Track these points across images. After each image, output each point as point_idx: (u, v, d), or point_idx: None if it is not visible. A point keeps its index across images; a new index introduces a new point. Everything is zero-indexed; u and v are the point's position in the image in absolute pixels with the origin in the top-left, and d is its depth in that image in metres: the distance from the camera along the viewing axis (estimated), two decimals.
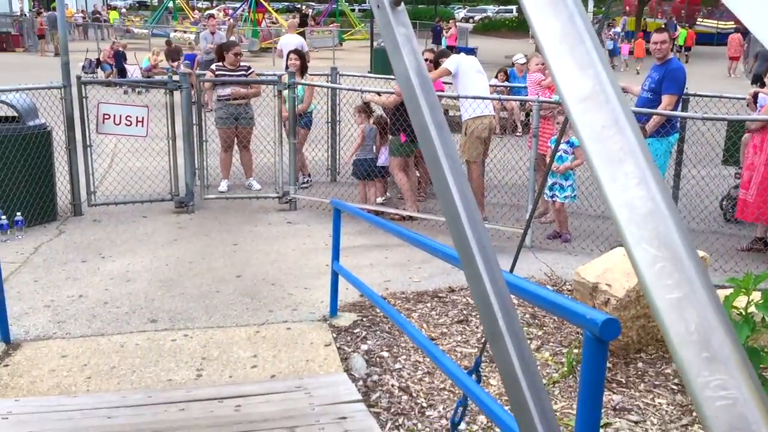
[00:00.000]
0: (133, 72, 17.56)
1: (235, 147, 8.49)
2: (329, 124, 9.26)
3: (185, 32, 32.82)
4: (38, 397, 3.62)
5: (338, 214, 4.81)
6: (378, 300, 4.17)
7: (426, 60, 7.87)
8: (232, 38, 14.46)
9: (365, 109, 7.96)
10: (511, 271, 2.44)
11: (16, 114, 6.74)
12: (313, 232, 7.16)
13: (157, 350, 4.34)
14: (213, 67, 8.53)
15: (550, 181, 7.23)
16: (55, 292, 5.28)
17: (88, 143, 7.23)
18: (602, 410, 2.47)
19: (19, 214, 6.51)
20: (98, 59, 19.34)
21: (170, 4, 40.82)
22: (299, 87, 8.06)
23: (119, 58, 18.61)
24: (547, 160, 7.11)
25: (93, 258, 6.08)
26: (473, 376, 2.76)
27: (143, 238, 6.71)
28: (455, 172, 0.77)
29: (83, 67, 17.75)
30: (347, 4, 43.45)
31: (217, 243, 6.63)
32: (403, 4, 0.81)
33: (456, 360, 4.41)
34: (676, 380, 4.02)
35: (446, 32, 29.75)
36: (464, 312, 5.16)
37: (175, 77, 7.60)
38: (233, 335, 4.60)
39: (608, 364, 4.09)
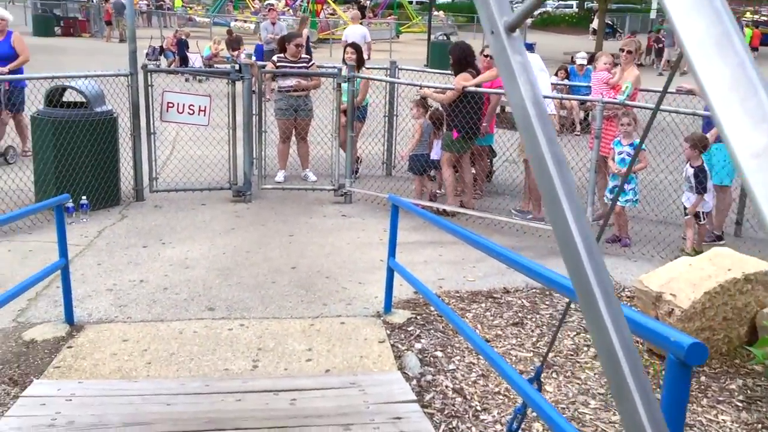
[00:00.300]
0: (195, 60, 17.86)
1: (293, 138, 8.56)
2: (386, 117, 9.24)
3: (245, 22, 33.27)
4: (100, 380, 3.71)
5: (396, 211, 4.79)
6: (434, 299, 4.14)
7: (485, 56, 7.76)
8: (304, 31, 14.48)
9: (423, 103, 7.92)
10: None
11: (84, 100, 6.92)
12: (368, 225, 7.16)
13: (215, 339, 4.41)
14: (275, 58, 8.59)
15: (610, 184, 7.09)
16: (117, 276, 5.41)
17: (152, 130, 7.38)
18: None
19: (84, 197, 6.69)
20: (161, 47, 19.71)
21: None
22: (357, 80, 8.06)
23: (182, 46, 18.94)
24: (609, 162, 6.96)
25: (154, 243, 6.21)
26: (534, 384, 2.71)
27: (202, 225, 6.82)
28: (574, 212, 0.73)
29: (147, 54, 18.13)
30: None
31: (273, 233, 6.69)
32: (518, 30, 0.78)
33: (510, 364, 4.35)
34: (740, 396, 3.88)
35: None
36: (519, 314, 5.09)
37: (237, 67, 7.68)
38: (288, 327, 4.63)
39: None
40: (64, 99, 7.13)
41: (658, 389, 3.47)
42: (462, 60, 7.35)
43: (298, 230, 6.84)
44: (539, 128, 0.74)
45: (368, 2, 43.98)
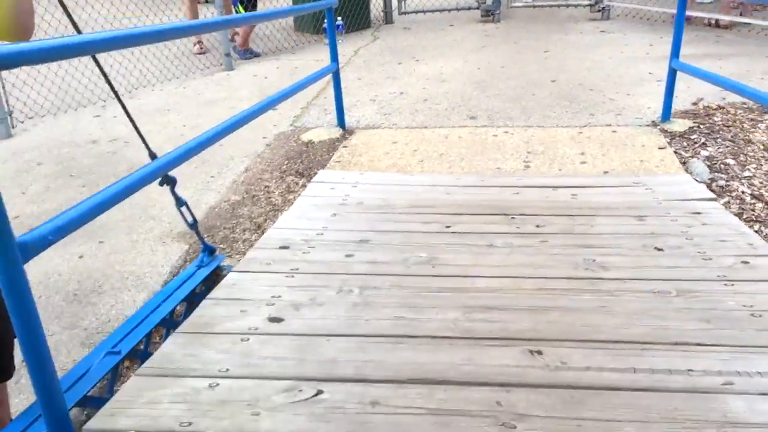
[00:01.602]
0: None
1: None
2: None
3: None
4: (379, 173, 3.82)
5: (684, 2, 4.19)
6: (736, 86, 3.61)
7: None
8: None
9: None
10: None
11: None
12: (630, 41, 6.52)
13: (480, 143, 4.32)
14: None
15: None
16: (377, 89, 5.50)
17: None
18: None
19: (339, 18, 6.78)
20: None
21: None
22: None
23: None
24: None
25: (407, 60, 6.19)
26: None
27: (452, 44, 6.66)
28: None
29: None
30: None
31: (527, 50, 6.34)
32: None
33: None
34: None
35: None
36: None
37: None
38: (555, 134, 4.41)
39: None
40: None
41: None
42: None
43: (553, 46, 6.41)
44: None
45: None
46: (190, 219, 2.73)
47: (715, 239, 2.66)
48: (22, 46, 1.41)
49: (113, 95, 2.44)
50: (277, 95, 3.54)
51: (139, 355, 2.33)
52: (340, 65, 6.17)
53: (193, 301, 2.64)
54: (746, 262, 2.43)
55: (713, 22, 6.66)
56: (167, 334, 2.44)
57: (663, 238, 2.69)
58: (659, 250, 2.57)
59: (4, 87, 4.83)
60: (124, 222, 3.65)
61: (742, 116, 4.60)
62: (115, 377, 2.19)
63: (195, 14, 6.53)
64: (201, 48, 6.71)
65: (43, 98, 5.10)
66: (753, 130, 4.41)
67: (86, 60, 5.45)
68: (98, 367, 2.13)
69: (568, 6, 7.51)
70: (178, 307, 2.65)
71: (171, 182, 2.57)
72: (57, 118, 5.15)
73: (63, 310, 2.93)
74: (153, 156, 2.43)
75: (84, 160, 4.42)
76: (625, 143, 4.19)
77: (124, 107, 2.43)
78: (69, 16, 2.12)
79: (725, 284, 2.27)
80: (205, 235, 3.26)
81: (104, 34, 1.72)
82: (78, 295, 3.07)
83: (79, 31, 2.08)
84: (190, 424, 1.54)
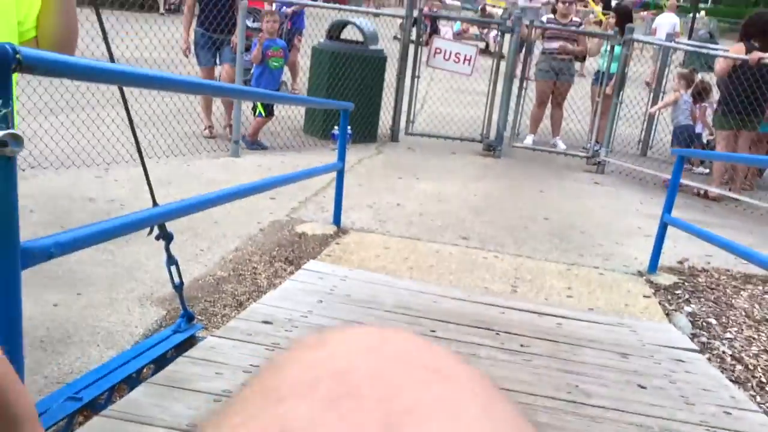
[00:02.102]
0: (446, 32, 18.14)
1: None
2: (650, 94, 8.64)
3: (493, 6, 33.29)
4: (369, 272, 3.82)
5: (680, 162, 4.39)
6: (728, 243, 3.71)
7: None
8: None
9: (688, 76, 7.34)
10: None
11: (361, 37, 7.24)
12: (622, 196, 6.75)
13: (471, 262, 4.37)
14: (544, 18, 8.38)
15: None
16: (376, 197, 5.60)
17: (417, 74, 7.54)
18: None
19: (348, 127, 7.00)
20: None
21: None
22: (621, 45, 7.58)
23: (434, 20, 19.34)
24: None
25: (408, 177, 6.35)
26: None
27: (453, 169, 6.86)
28: None
29: (400, 24, 18.77)
30: None
31: (524, 187, 6.54)
32: None
33: None
34: None
35: None
36: None
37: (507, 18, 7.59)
38: (544, 266, 4.46)
39: None
40: (343, 36, 7.52)
41: None
42: (761, 28, 6.56)
43: (548, 188, 6.62)
44: None
45: None
46: (177, 280, 2.70)
47: (699, 387, 2.65)
48: (68, 57, 1.45)
49: (131, 155, 2.47)
50: (281, 177, 3.61)
51: (99, 407, 2.22)
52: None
53: (162, 365, 2.55)
54: (729, 413, 2.41)
55: (703, 192, 6.93)
56: (129, 394, 2.34)
57: (646, 377, 2.67)
58: (642, 387, 2.55)
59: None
60: (107, 278, 3.59)
61: (725, 282, 4.70)
62: (71, 425, 2.07)
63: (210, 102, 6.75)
64: (211, 132, 6.85)
65: (50, 151, 5.14)
66: (735, 296, 4.50)
67: (94, 122, 5.51)
68: (56, 411, 2.03)
69: (566, 155, 7.82)
70: (145, 369, 2.56)
71: (168, 238, 2.56)
72: (59, 173, 5.17)
73: (26, 354, 2.81)
74: (155, 204, 2.44)
75: (77, 215, 4.40)
76: (611, 286, 4.24)
77: (131, 120, 2.45)
78: (107, 43, 2.18)
79: (707, 430, 2.23)
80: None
81: (142, 70, 1.78)
82: (45, 342, 2.96)
83: (113, 61, 2.14)
84: None
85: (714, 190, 6.85)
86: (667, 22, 13.05)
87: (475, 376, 0.29)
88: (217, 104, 7.16)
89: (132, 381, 2.41)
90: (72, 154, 5.28)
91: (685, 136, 7.24)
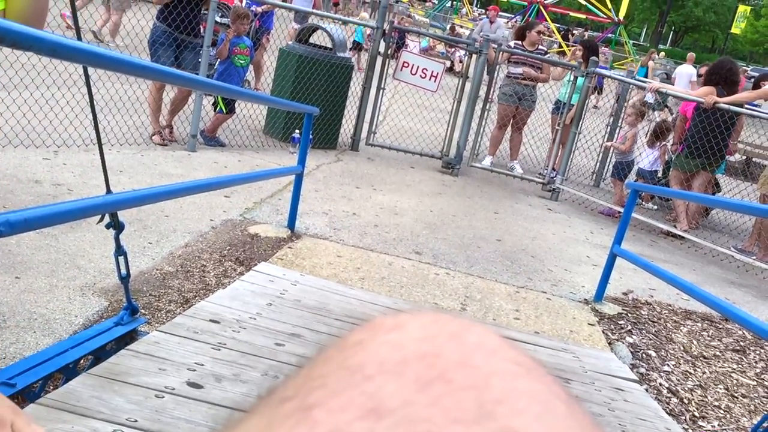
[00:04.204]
0: (414, 47, 18.27)
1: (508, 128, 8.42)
2: (608, 127, 8.83)
3: (461, 27, 33.68)
4: (320, 279, 3.79)
5: (634, 196, 4.49)
6: (674, 278, 3.80)
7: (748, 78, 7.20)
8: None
9: (641, 109, 7.60)
10: None
11: (330, 43, 7.22)
12: (574, 224, 6.87)
13: (422, 277, 4.37)
14: (511, 44, 8.51)
15: None
16: (331, 204, 5.57)
17: (382, 86, 7.55)
18: None
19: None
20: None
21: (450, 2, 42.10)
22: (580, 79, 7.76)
23: (401, 33, 19.47)
24: None
25: (365, 187, 6.34)
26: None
27: (411, 183, 6.88)
28: None
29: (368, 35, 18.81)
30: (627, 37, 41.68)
31: (479, 207, 6.60)
32: None
33: (731, 387, 3.93)
34: None
35: None
36: (741, 343, 4.60)
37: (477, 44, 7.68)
38: (494, 287, 4.50)
39: None
40: (311, 41, 7.49)
41: None
42: (723, 75, 6.76)
43: (503, 210, 6.70)
44: None
45: (585, 34, 42.82)
46: (124, 271, 2.62)
47: (636, 416, 2.69)
48: (36, 31, 1.40)
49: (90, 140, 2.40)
50: (239, 176, 3.55)
51: (32, 396, 2.13)
52: None
53: (100, 357, 2.47)
54: None
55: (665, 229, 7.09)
56: (65, 383, 2.26)
57: (586, 404, 2.70)
58: None
59: None
60: (47, 264, 3.47)
61: (667, 316, 4.82)
62: None
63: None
64: (162, 138, 6.26)
65: None
66: (675, 330, 4.61)
67: (48, 102, 5.34)
68: None
69: (522, 179, 7.93)
70: (82, 360, 2.47)
71: (119, 227, 2.48)
72: (5, 151, 4.99)
73: None
74: (109, 191, 2.37)
75: (22, 196, 4.25)
76: (558, 312, 4.30)
77: (92, 102, 2.38)
78: (76, 20, 2.11)
79: None
80: None
81: (113, 52, 1.73)
82: None
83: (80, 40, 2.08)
84: None
85: (662, 226, 7.04)
86: (685, 72, 15.21)
87: (550, 374, 0.29)
88: (166, 102, 6.71)
89: (69, 371, 2.33)
90: (21, 133, 5.11)
91: (624, 168, 7.61)
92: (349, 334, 0.30)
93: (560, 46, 29.44)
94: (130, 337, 2.71)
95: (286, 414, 0.25)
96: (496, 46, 7.77)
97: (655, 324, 4.61)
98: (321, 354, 0.29)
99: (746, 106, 6.96)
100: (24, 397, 2.12)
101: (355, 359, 0.27)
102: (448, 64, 17.28)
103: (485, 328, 0.29)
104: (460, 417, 0.23)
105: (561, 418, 0.25)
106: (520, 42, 8.34)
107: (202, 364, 2.08)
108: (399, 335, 0.28)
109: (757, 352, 4.53)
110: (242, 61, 6.72)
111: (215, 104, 6.67)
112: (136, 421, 1.63)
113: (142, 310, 3.17)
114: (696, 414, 3.48)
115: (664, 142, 7.61)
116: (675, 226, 7.11)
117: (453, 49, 19.17)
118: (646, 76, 17.16)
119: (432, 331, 0.29)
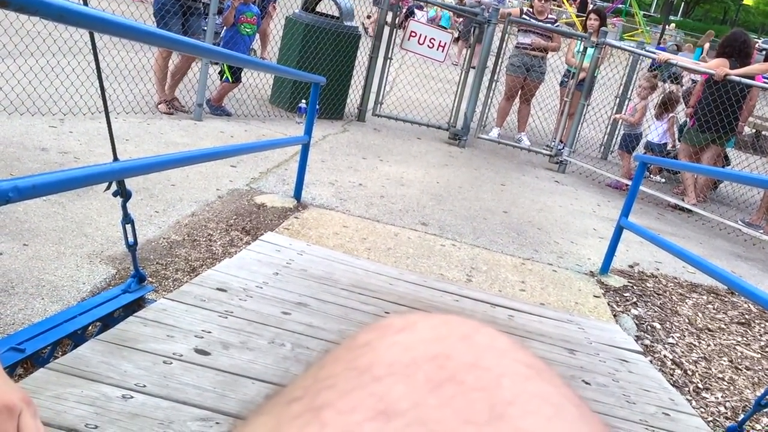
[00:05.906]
0: (422, 17, 18.10)
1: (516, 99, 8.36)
2: (617, 98, 8.75)
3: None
4: (326, 248, 3.79)
5: (642, 168, 4.46)
6: (681, 251, 3.79)
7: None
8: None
9: (653, 81, 7.49)
10: None
11: (337, 12, 7.15)
12: (581, 196, 6.84)
13: (428, 248, 4.37)
14: (524, 9, 8.40)
15: None
16: (338, 175, 5.56)
17: (389, 55, 7.48)
18: None
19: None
20: None
21: None
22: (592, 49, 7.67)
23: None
24: None
25: (372, 158, 6.32)
26: None
27: (417, 155, 6.85)
28: None
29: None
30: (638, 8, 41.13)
31: (485, 179, 6.58)
32: None
33: (735, 360, 3.94)
34: None
35: None
36: (746, 316, 4.61)
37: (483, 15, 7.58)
38: (500, 259, 4.50)
39: None
40: (318, 9, 7.42)
41: None
42: (738, 48, 6.66)
43: (510, 182, 6.67)
44: None
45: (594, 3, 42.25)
46: (131, 239, 2.63)
47: (640, 387, 2.71)
48: None
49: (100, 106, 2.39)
50: (245, 145, 3.54)
51: (40, 361, 2.15)
52: None
53: (108, 324, 2.49)
54: (667, 414, 2.47)
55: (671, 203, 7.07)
56: (74, 349, 2.28)
57: (591, 374, 2.72)
58: (587, 383, 2.59)
59: None
60: (55, 232, 3.48)
61: (672, 289, 4.82)
62: (11, 376, 2.01)
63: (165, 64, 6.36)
64: (168, 107, 6.27)
65: (4, 94, 4.95)
66: (681, 303, 4.61)
67: (53, 69, 5.32)
68: None
69: (529, 151, 7.89)
70: (91, 327, 2.49)
71: (126, 196, 2.48)
72: (11, 119, 4.99)
73: None
74: (116, 158, 2.36)
75: (28, 164, 4.25)
76: (563, 284, 4.31)
77: (99, 69, 2.36)
78: None
79: (646, 428, 2.29)
80: None
81: (120, 18, 1.71)
82: None
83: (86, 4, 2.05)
84: (96, 427, 1.41)
85: (669, 199, 7.01)
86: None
87: (561, 377, 0.29)
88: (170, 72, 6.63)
89: (77, 337, 2.35)
90: (27, 100, 5.10)
91: (631, 141, 7.55)
92: (357, 334, 0.30)
93: (570, 17, 29.07)
94: (138, 304, 2.73)
95: (295, 414, 0.25)
96: (489, 9, 7.65)
97: (661, 296, 4.62)
98: (329, 354, 0.29)
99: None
100: (33, 362, 2.14)
101: (364, 360, 0.27)
102: (456, 34, 17.15)
103: (495, 330, 0.29)
104: (471, 418, 0.23)
105: (571, 420, 0.25)
106: (529, 9, 8.24)
107: (210, 332, 2.09)
108: (408, 336, 0.28)
109: (762, 325, 4.53)
110: (248, 30, 6.66)
111: (221, 73, 6.63)
112: (144, 386, 1.64)
113: (150, 278, 3.19)
114: (700, 385, 3.50)
115: (672, 114, 7.54)
116: (683, 200, 7.08)
117: (461, 19, 18.96)
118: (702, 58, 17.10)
119: (442, 332, 0.29)
